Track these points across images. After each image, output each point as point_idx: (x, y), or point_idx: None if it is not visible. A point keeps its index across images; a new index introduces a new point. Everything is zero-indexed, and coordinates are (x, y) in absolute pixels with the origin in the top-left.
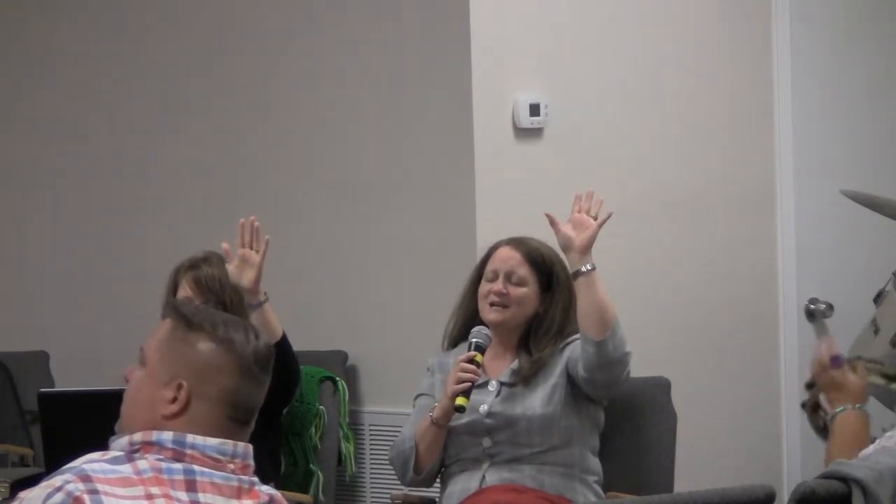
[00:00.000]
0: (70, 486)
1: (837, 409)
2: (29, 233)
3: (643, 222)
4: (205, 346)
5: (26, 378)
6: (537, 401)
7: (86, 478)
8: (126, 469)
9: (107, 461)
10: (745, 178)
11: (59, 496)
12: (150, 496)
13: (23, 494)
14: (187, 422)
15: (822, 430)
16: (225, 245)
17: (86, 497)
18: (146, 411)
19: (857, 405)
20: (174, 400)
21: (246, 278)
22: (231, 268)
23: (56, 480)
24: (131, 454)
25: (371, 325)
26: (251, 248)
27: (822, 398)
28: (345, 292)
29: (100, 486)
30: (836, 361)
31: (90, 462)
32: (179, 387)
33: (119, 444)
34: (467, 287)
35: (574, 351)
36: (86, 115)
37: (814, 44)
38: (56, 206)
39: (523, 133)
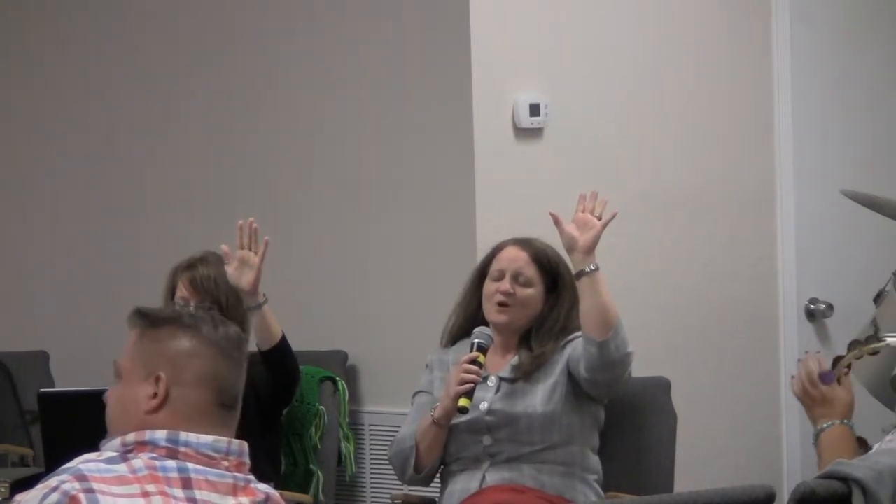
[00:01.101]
0: (66, 486)
1: (825, 425)
2: (29, 233)
3: (643, 222)
4: (173, 335)
5: (26, 378)
6: (538, 399)
7: (81, 477)
8: (121, 468)
9: (102, 461)
10: (745, 178)
11: (55, 496)
12: (146, 494)
13: (19, 497)
14: (172, 414)
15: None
16: (224, 247)
17: (82, 496)
18: (132, 414)
19: (844, 420)
20: (155, 395)
21: (244, 280)
22: (230, 270)
23: (52, 481)
24: (125, 454)
25: (371, 325)
26: (249, 250)
27: (808, 415)
28: (345, 292)
29: (95, 485)
30: (826, 378)
31: (86, 462)
32: (157, 379)
33: (112, 445)
34: (469, 285)
35: (575, 349)
36: (86, 115)
37: (814, 44)
38: (56, 206)
39: (523, 133)
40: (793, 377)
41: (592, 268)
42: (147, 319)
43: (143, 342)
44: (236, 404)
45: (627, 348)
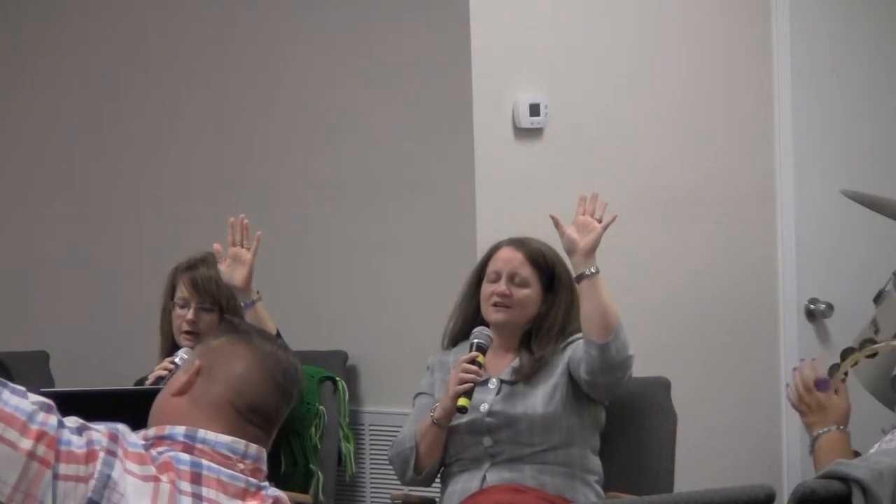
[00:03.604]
0: (95, 435)
1: (822, 431)
2: (29, 233)
3: (643, 222)
4: (228, 336)
5: (26, 378)
6: (538, 400)
7: (114, 437)
8: (144, 451)
9: (136, 438)
10: (745, 178)
11: (78, 438)
12: (157, 479)
13: (69, 419)
14: (190, 401)
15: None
16: (216, 246)
17: (101, 454)
18: (162, 395)
19: (841, 427)
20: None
21: (237, 276)
22: (223, 267)
23: (92, 424)
24: (146, 447)
25: (371, 325)
26: (241, 247)
27: (803, 422)
28: (345, 292)
29: (120, 452)
30: (822, 385)
31: (126, 429)
32: (192, 365)
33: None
34: (467, 287)
35: (576, 351)
36: (86, 116)
37: (814, 44)
38: (56, 206)
39: (523, 133)
40: (788, 385)
41: (593, 270)
42: (223, 325)
43: (208, 342)
44: (257, 420)
45: (628, 351)
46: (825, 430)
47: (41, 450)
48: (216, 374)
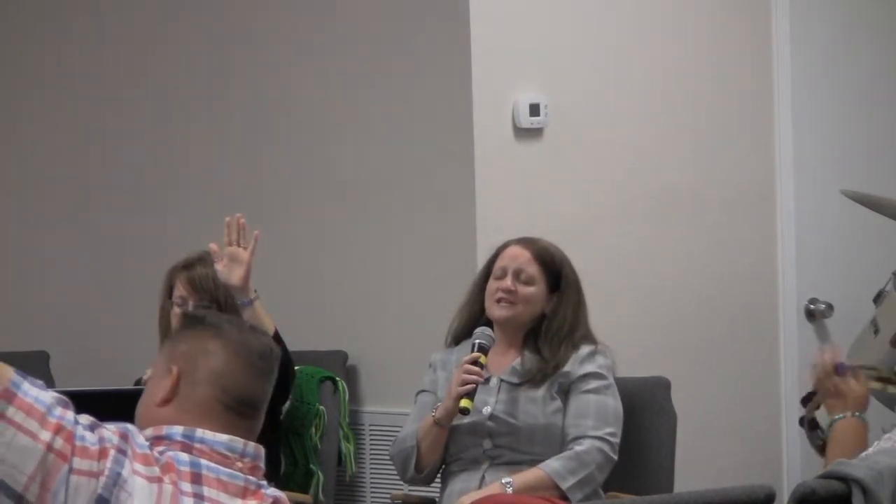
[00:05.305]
0: (106, 433)
1: (837, 417)
2: (29, 233)
3: (643, 222)
4: (198, 336)
5: None
6: (539, 409)
7: (124, 436)
8: (149, 452)
9: (142, 439)
10: (745, 178)
11: (91, 434)
12: (160, 480)
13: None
14: (178, 408)
15: (821, 449)
16: (213, 245)
17: (112, 452)
18: (146, 406)
19: (857, 413)
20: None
21: (235, 276)
22: (220, 267)
23: (105, 423)
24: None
25: (371, 325)
26: (238, 246)
27: (821, 409)
28: (345, 292)
29: (129, 452)
30: (840, 369)
31: (135, 429)
32: (171, 372)
33: None
34: (474, 285)
35: (570, 406)
36: (86, 115)
37: (814, 43)
38: (56, 206)
39: (523, 133)
40: (813, 365)
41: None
42: (186, 320)
43: (174, 340)
44: (248, 411)
45: (593, 483)
46: (841, 415)
47: (59, 443)
48: (197, 375)
